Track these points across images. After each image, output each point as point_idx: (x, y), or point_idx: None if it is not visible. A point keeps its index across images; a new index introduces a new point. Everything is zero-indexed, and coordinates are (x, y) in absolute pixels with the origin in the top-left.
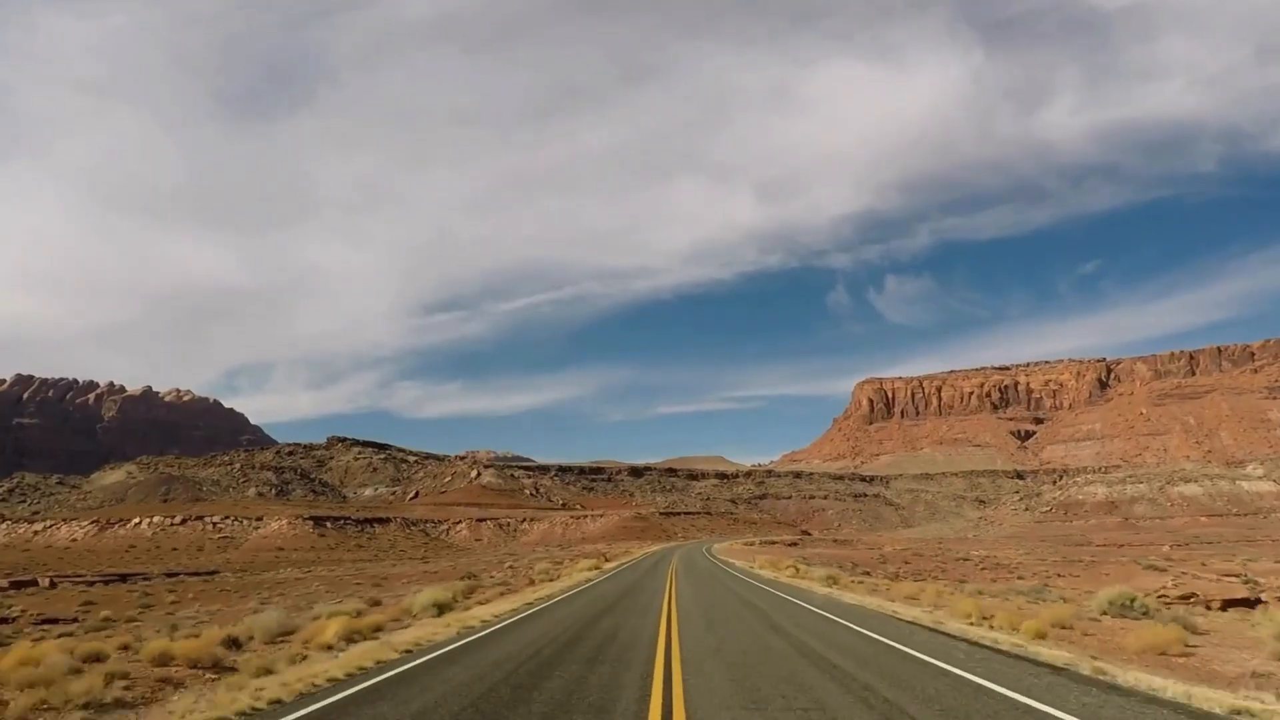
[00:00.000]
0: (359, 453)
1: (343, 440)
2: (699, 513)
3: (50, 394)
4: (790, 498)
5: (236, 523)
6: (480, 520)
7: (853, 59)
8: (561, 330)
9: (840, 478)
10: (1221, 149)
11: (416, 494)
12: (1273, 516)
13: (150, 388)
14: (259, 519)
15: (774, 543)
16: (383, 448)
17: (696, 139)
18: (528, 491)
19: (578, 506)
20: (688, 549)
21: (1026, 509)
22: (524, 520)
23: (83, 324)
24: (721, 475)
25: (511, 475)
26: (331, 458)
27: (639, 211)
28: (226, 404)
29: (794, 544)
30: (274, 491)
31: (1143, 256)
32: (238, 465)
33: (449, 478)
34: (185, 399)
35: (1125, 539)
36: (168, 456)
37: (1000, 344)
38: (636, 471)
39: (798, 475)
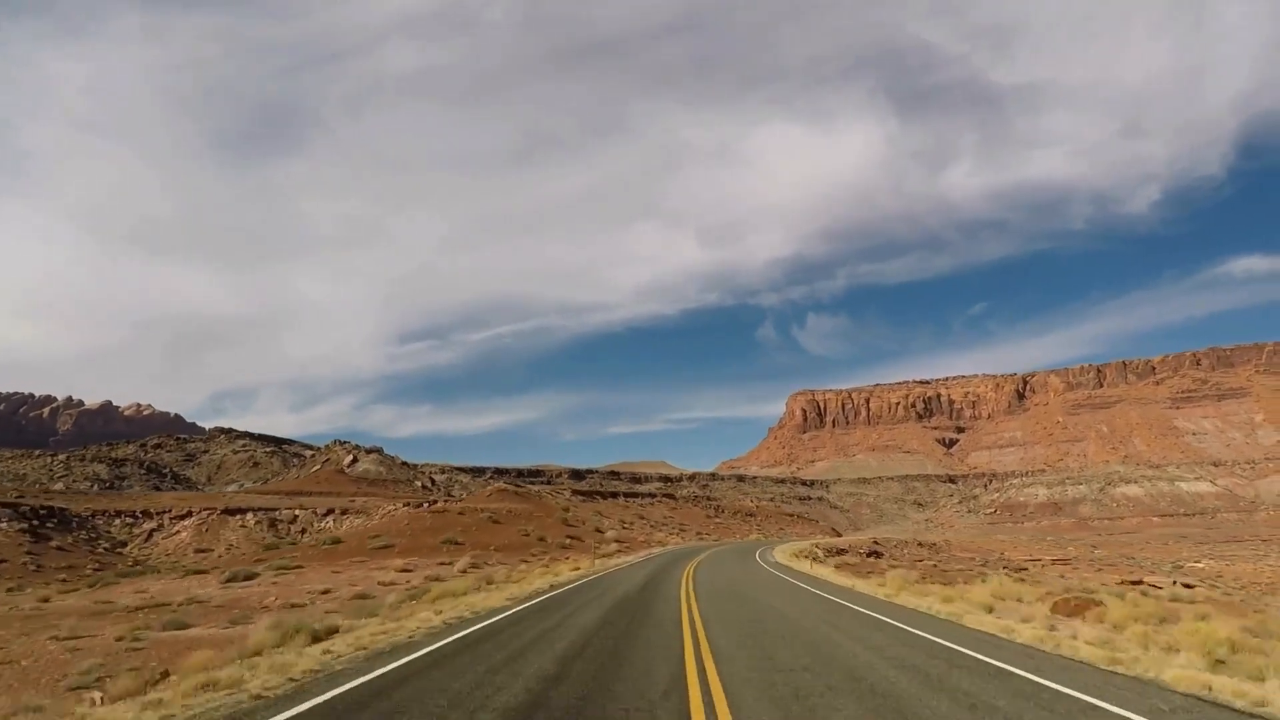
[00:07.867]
0: (243, 445)
1: (227, 432)
2: (656, 496)
3: (2, 408)
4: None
5: None
6: (241, 512)
7: (789, 121)
8: (524, 359)
9: (782, 481)
10: (1090, 210)
11: (265, 482)
12: (1220, 516)
13: (110, 402)
14: None
15: (843, 551)
16: (276, 441)
17: (651, 188)
18: (420, 484)
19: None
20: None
21: (969, 510)
22: (331, 512)
23: (73, 348)
24: (665, 478)
25: (405, 465)
26: (207, 450)
27: (598, 252)
28: (207, 424)
29: (874, 554)
30: (94, 487)
31: (1023, 300)
32: (62, 458)
33: (318, 466)
34: (145, 413)
35: (1095, 539)
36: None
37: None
38: (578, 474)
39: (740, 479)
